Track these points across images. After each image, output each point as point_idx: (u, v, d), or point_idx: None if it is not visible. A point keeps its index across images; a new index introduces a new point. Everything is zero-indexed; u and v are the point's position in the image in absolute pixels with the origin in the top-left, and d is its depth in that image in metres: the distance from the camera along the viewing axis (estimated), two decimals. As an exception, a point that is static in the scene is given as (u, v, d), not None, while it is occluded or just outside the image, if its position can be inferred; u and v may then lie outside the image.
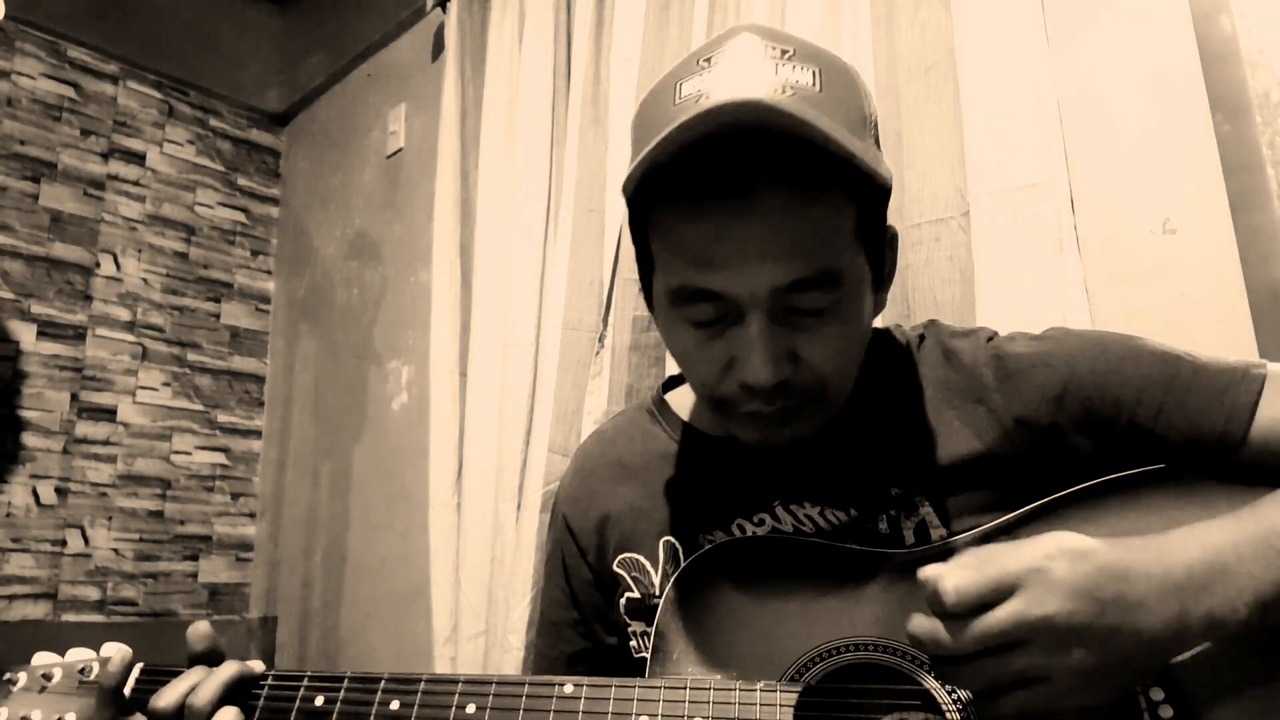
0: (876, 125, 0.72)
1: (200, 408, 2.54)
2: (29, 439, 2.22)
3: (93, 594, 2.27)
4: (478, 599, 1.65)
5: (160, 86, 2.59)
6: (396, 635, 2.06)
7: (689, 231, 0.68)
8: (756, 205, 0.65)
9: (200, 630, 0.76)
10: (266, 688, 0.74)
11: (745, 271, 0.66)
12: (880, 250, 0.74)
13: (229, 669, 0.74)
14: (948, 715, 0.62)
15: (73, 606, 2.23)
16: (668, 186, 0.68)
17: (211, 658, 0.76)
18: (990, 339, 0.80)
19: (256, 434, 2.65)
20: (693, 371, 0.75)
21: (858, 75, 0.73)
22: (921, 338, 0.83)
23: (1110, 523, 0.66)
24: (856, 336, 0.73)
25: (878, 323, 0.85)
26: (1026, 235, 1.10)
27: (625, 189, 0.70)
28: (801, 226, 0.66)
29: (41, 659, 0.82)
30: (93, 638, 0.83)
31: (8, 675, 0.81)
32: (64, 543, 2.24)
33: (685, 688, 0.65)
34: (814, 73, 0.68)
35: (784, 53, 0.69)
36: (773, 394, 0.69)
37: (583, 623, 0.90)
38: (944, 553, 0.69)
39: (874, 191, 0.70)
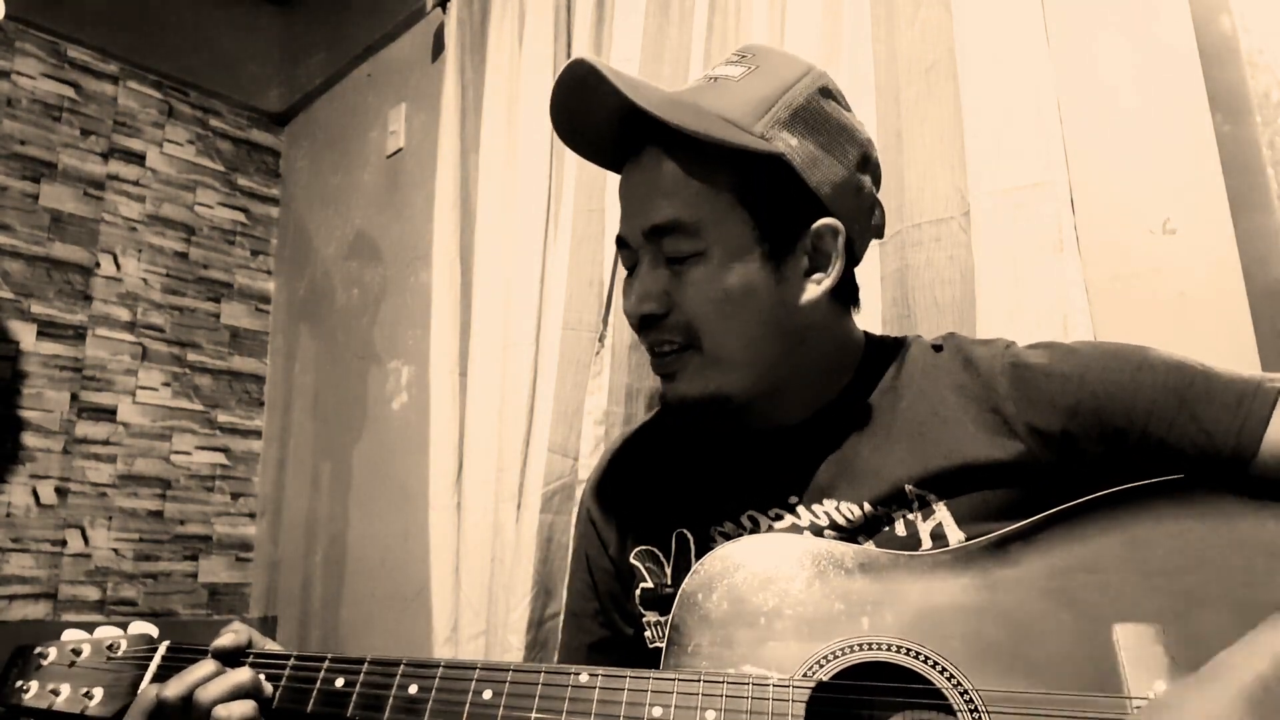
0: (802, 111, 0.78)
1: (200, 408, 2.54)
2: (29, 439, 2.22)
3: (93, 594, 2.27)
4: (478, 599, 1.65)
5: (160, 86, 2.59)
6: (396, 635, 2.06)
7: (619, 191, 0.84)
8: (639, 164, 0.80)
9: (236, 631, 0.77)
10: (289, 668, 0.75)
11: (628, 217, 0.81)
12: (786, 221, 0.78)
13: (241, 675, 0.73)
14: (959, 714, 0.62)
15: (73, 606, 2.23)
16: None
17: (233, 656, 0.76)
18: (1009, 346, 0.81)
19: (256, 434, 2.66)
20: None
21: (816, 76, 0.80)
22: (940, 346, 0.84)
23: (1123, 532, 0.66)
24: (732, 294, 0.77)
25: (889, 331, 0.87)
26: (1026, 235, 1.10)
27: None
28: (665, 180, 0.77)
29: (71, 635, 0.83)
30: (92, 638, 0.83)
31: (38, 650, 0.82)
32: (64, 543, 2.24)
33: (699, 680, 0.66)
34: (748, 68, 0.80)
35: (741, 58, 0.81)
36: (644, 327, 0.80)
37: (603, 613, 0.92)
38: (961, 556, 0.69)
39: (760, 161, 0.76)
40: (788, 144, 0.76)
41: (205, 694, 0.72)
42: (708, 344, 0.78)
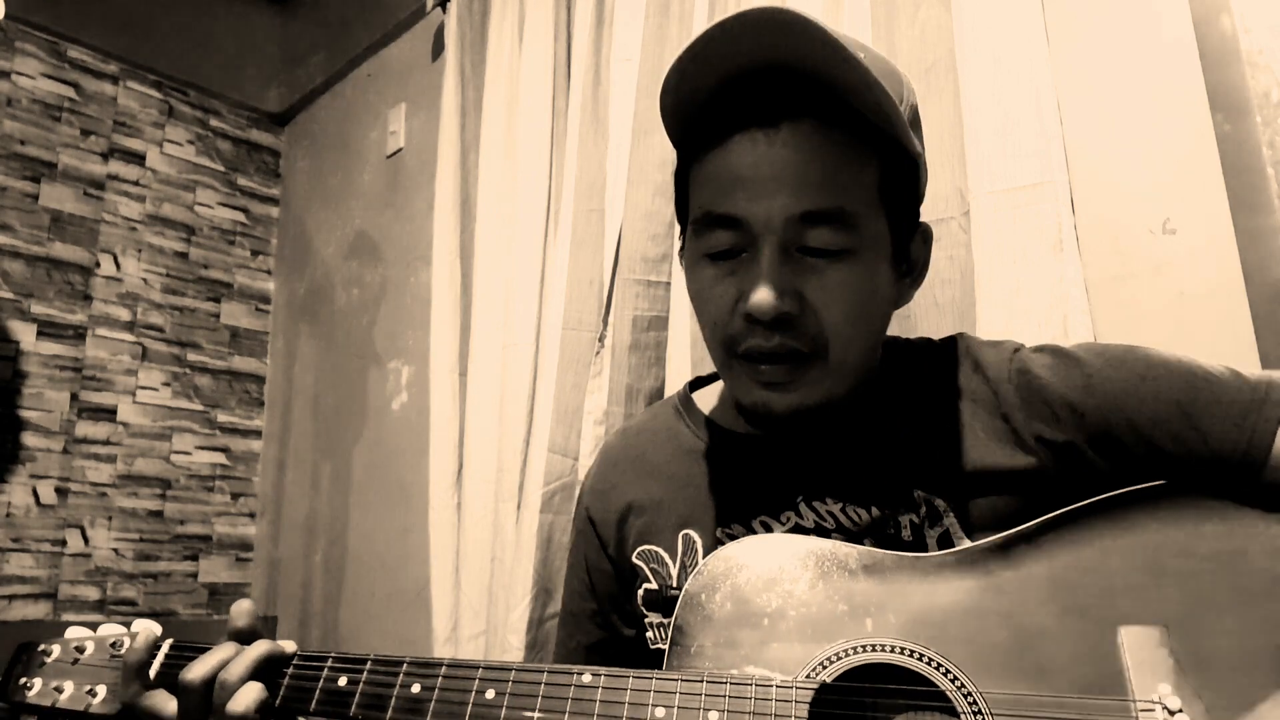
0: (916, 113, 0.76)
1: (200, 408, 2.54)
2: (29, 439, 2.21)
3: (93, 594, 2.27)
4: (478, 599, 1.65)
5: (160, 86, 2.59)
6: (396, 635, 2.06)
7: (717, 162, 0.73)
8: (779, 137, 0.70)
9: (243, 607, 0.77)
10: (291, 667, 0.75)
11: (762, 196, 0.70)
12: (904, 225, 0.77)
13: (260, 647, 0.74)
14: (962, 716, 0.62)
15: (73, 606, 2.23)
16: (705, 130, 0.74)
17: (248, 636, 0.77)
18: (1017, 350, 0.80)
19: (256, 434, 2.66)
20: (705, 311, 0.77)
21: (904, 74, 0.77)
22: (949, 349, 0.83)
23: (1129, 534, 0.66)
24: (867, 300, 0.74)
25: (903, 334, 0.86)
26: (1026, 235, 1.10)
27: (664, 112, 0.75)
28: (821, 161, 0.70)
29: (75, 632, 0.82)
30: (93, 638, 0.83)
31: (42, 647, 0.81)
32: (64, 543, 2.24)
33: (702, 681, 0.65)
34: (859, 52, 0.71)
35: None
36: (772, 327, 0.71)
37: (600, 614, 0.91)
38: (965, 558, 0.69)
39: (900, 157, 0.74)
40: (917, 143, 0.75)
41: (230, 674, 0.72)
42: (835, 355, 0.73)
